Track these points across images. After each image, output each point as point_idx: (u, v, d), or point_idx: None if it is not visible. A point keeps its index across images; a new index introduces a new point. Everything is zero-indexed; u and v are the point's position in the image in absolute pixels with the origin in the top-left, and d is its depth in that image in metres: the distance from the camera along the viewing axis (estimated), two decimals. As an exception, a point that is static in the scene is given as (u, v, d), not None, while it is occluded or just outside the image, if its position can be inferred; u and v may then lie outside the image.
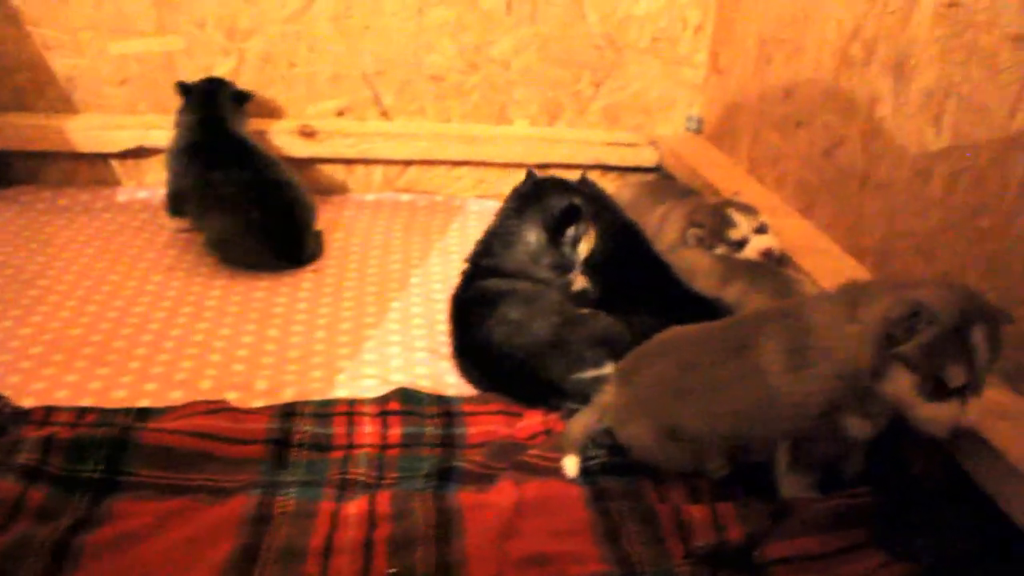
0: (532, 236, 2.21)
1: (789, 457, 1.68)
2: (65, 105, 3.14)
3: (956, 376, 1.44)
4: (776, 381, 1.62)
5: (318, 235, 2.88)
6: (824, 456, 1.69)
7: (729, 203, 2.46)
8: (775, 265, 2.33)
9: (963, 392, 1.46)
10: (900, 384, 1.49)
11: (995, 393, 1.70)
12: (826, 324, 1.59)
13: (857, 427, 1.60)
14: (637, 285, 2.22)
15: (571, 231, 2.19)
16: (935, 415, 1.48)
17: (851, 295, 1.59)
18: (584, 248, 2.22)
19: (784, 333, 1.64)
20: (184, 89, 2.89)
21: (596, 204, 2.30)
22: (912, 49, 2.05)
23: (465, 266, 2.30)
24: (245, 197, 2.63)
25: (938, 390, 1.46)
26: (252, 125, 3.09)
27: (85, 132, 3.10)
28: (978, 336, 1.43)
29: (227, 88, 2.93)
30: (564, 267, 2.23)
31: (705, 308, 2.10)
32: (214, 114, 2.86)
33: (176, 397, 2.00)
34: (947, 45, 1.93)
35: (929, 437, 1.53)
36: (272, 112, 3.25)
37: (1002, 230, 1.76)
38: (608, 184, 3.35)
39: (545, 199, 2.23)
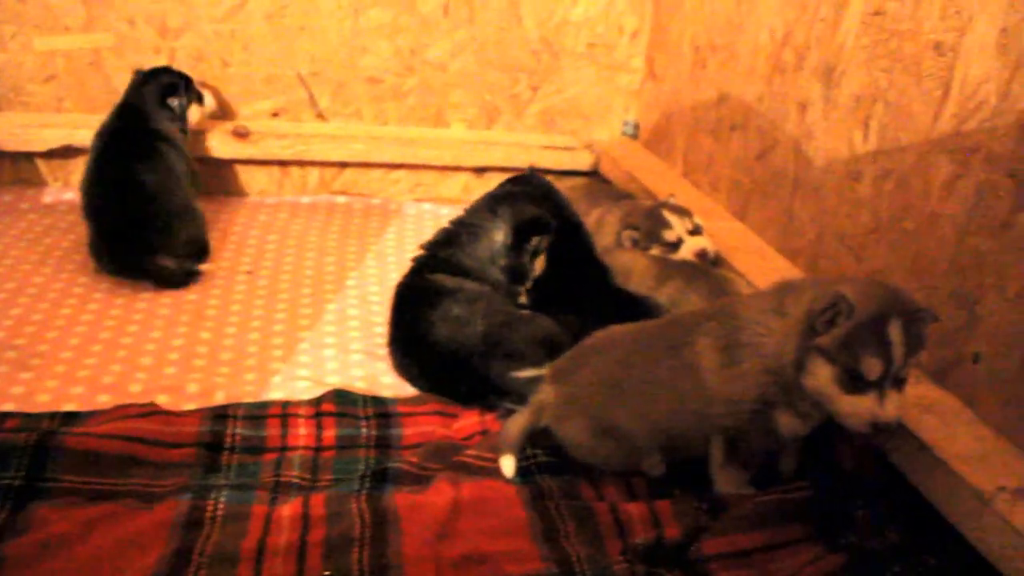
0: (499, 235, 2.23)
1: (723, 454, 1.71)
2: (-14, 102, 3.05)
3: (872, 368, 1.47)
4: (710, 378, 1.65)
5: (196, 246, 2.68)
6: (758, 453, 1.71)
7: (664, 205, 2.50)
8: (710, 266, 2.37)
9: (881, 385, 1.49)
10: (820, 377, 1.53)
11: (922, 388, 1.76)
12: (756, 320, 1.63)
13: (788, 424, 1.63)
14: (577, 284, 2.24)
15: (535, 240, 2.20)
16: (853, 408, 1.51)
17: (780, 292, 1.63)
18: (539, 264, 2.23)
19: (717, 331, 1.67)
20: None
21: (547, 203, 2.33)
22: (841, 56, 2.11)
23: (419, 253, 2.29)
24: (103, 198, 2.55)
25: (856, 383, 1.50)
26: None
27: (8, 130, 3.00)
28: (895, 329, 1.46)
29: (159, 79, 2.84)
30: (517, 273, 2.23)
31: (640, 308, 2.12)
32: (134, 102, 2.78)
33: (104, 401, 1.95)
34: (874, 52, 1.99)
35: (852, 431, 1.56)
36: (205, 112, 3.19)
37: (926, 231, 1.81)
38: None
39: (520, 204, 2.25)
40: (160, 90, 2.83)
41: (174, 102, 2.85)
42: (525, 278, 2.27)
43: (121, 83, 3.05)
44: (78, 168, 3.12)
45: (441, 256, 2.23)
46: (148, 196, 2.55)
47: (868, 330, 1.47)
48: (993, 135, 1.63)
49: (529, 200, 2.27)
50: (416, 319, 2.12)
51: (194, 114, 2.95)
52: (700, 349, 1.66)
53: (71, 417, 1.85)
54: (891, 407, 1.49)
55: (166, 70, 2.89)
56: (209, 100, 3.03)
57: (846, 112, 2.09)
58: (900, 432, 1.64)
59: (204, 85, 3.05)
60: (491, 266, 2.21)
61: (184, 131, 2.89)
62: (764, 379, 1.60)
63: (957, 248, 1.73)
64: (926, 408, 1.70)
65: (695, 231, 2.43)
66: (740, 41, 2.61)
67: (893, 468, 1.67)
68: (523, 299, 2.27)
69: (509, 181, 2.40)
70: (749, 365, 1.61)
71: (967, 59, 1.70)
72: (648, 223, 2.45)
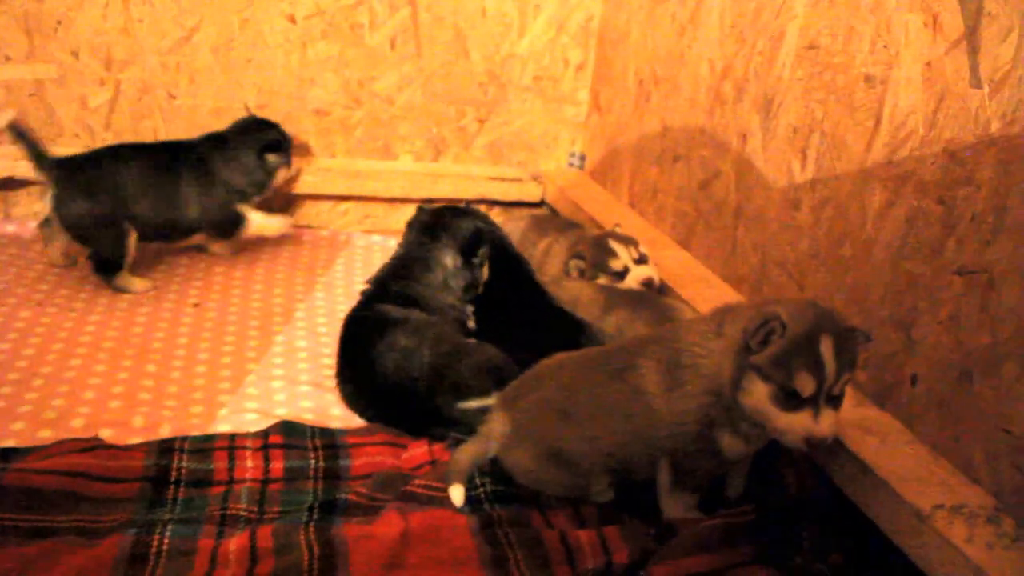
0: (449, 259, 2.25)
1: (670, 477, 1.73)
2: (-76, 134, 2.99)
3: (805, 384, 1.50)
4: (654, 401, 1.67)
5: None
6: (703, 476, 1.73)
7: (610, 235, 2.53)
8: (655, 294, 2.40)
9: (815, 402, 1.52)
10: (756, 395, 1.56)
11: (863, 410, 1.80)
12: (696, 343, 1.66)
13: (731, 446, 1.66)
14: (519, 310, 2.26)
15: (481, 252, 2.23)
16: (789, 425, 1.54)
17: (719, 314, 1.67)
18: (486, 270, 2.25)
19: (661, 354, 1.70)
20: None
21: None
22: (778, 88, 2.17)
23: (366, 287, 2.29)
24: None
25: (790, 400, 1.53)
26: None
27: (-54, 162, 2.95)
28: (826, 347, 1.50)
29: (267, 133, 2.96)
30: (472, 286, 2.26)
31: (583, 330, 2.16)
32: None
33: (45, 436, 1.91)
34: (809, 84, 2.05)
35: (789, 447, 1.59)
36: (151, 144, 3.17)
37: (862, 257, 1.87)
38: (493, 218, 3.40)
39: (454, 224, 2.28)
40: (262, 143, 2.91)
41: (271, 158, 2.93)
42: (478, 289, 2.32)
43: (65, 114, 3.05)
44: (19, 200, 3.10)
45: (393, 288, 2.24)
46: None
47: (800, 347, 1.51)
48: (922, 163, 1.70)
49: (457, 217, 2.31)
50: (363, 350, 2.12)
51: (281, 175, 3.02)
52: (644, 372, 1.69)
53: (10, 453, 1.81)
54: (826, 423, 1.52)
55: (275, 127, 2.98)
56: (293, 170, 3.11)
57: (784, 142, 2.15)
58: (842, 453, 1.68)
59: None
60: (444, 292, 2.22)
61: (260, 186, 2.95)
62: (705, 400, 1.63)
63: (892, 273, 1.78)
64: (867, 429, 1.74)
65: (641, 260, 2.47)
66: (682, 74, 2.67)
67: (836, 489, 1.71)
68: (471, 324, 2.28)
69: (446, 210, 2.41)
70: (691, 387, 1.64)
71: (896, 91, 1.77)
72: (594, 252, 2.48)
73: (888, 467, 1.62)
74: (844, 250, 1.93)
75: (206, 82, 3.12)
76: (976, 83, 1.57)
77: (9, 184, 3.05)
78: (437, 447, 1.96)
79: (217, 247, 3.02)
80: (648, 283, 2.43)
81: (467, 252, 2.24)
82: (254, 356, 2.36)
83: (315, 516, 1.69)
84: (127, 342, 2.37)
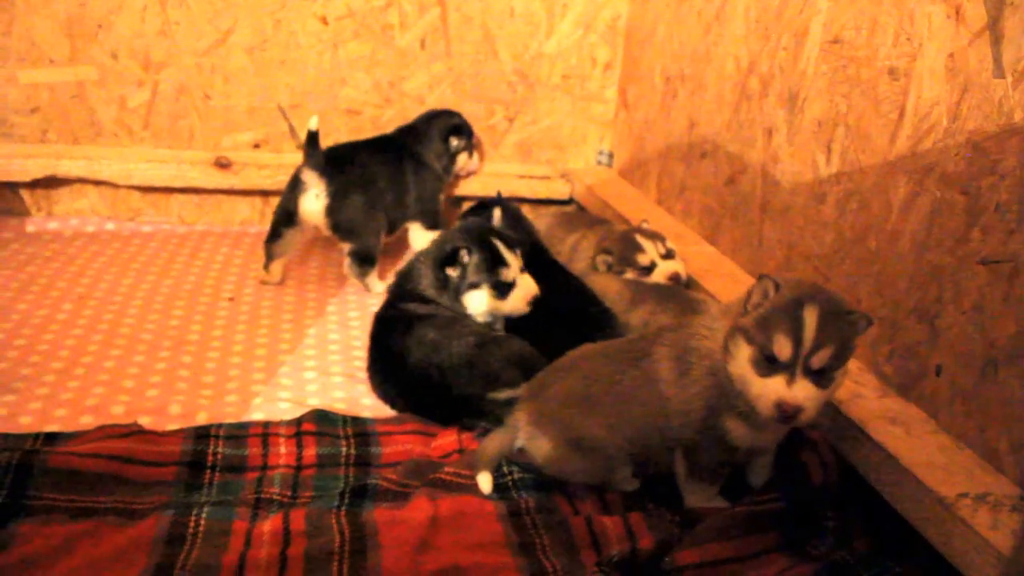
0: (425, 270, 2.25)
1: (685, 467, 1.75)
2: (-30, 134, 3.09)
3: (782, 348, 1.51)
4: (666, 389, 1.71)
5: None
6: (717, 466, 1.75)
7: (637, 230, 2.56)
8: (682, 288, 2.42)
9: (791, 368, 1.52)
10: (740, 358, 1.58)
11: (888, 401, 1.81)
12: (705, 324, 1.71)
13: (737, 431, 1.68)
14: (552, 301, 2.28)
15: (454, 142, 2.24)
16: (762, 390, 1.54)
17: (730, 302, 1.70)
18: (473, 299, 2.22)
19: (673, 340, 1.74)
20: None
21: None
22: (803, 82, 2.19)
23: (391, 283, 2.34)
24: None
25: (769, 364, 1.54)
26: (176, 157, 3.14)
27: (-8, 161, 3.04)
28: (810, 315, 1.51)
29: (450, 118, 3.12)
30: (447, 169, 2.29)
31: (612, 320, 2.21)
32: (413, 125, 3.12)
33: (87, 422, 1.97)
34: (833, 79, 2.07)
35: (763, 417, 1.58)
36: (187, 143, 3.24)
37: (887, 249, 1.88)
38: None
39: (446, 236, 2.29)
40: (446, 127, 3.06)
41: (453, 141, 3.07)
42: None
43: (105, 115, 3.13)
44: (61, 198, 3.18)
45: (407, 287, 2.27)
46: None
47: (784, 312, 1.53)
48: (946, 155, 1.70)
49: (455, 231, 2.33)
50: (393, 344, 2.16)
51: (461, 160, 3.16)
52: (657, 359, 1.74)
53: (54, 437, 1.87)
54: (799, 391, 1.52)
55: (457, 115, 3.14)
56: (475, 161, 3.26)
57: (809, 136, 2.16)
58: (866, 442, 1.70)
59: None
60: (439, 291, 2.23)
61: (447, 171, 3.10)
62: (707, 382, 1.67)
63: (916, 264, 1.79)
64: (891, 419, 1.75)
65: (668, 255, 2.49)
66: (708, 71, 2.69)
67: (860, 478, 1.72)
68: (499, 326, 2.31)
69: (480, 205, 2.45)
70: (696, 371, 1.68)
71: (919, 83, 1.78)
72: (622, 247, 2.50)
73: (912, 456, 1.63)
74: (869, 242, 1.94)
75: (240, 82, 3.19)
76: (999, 73, 1.58)
77: (52, 183, 3.14)
78: (466, 436, 1.99)
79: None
80: (675, 278, 2.45)
81: (439, 266, 2.22)
82: (287, 348, 2.42)
83: (346, 501, 1.73)
84: (165, 334, 2.44)
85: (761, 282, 1.58)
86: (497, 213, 2.39)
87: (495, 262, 2.18)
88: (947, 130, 1.70)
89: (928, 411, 1.76)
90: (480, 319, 2.23)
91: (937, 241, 1.73)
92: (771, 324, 1.53)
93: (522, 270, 2.23)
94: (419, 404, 2.10)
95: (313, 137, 2.70)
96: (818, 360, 1.51)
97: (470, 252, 2.18)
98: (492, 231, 2.26)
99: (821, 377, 1.53)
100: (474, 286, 2.19)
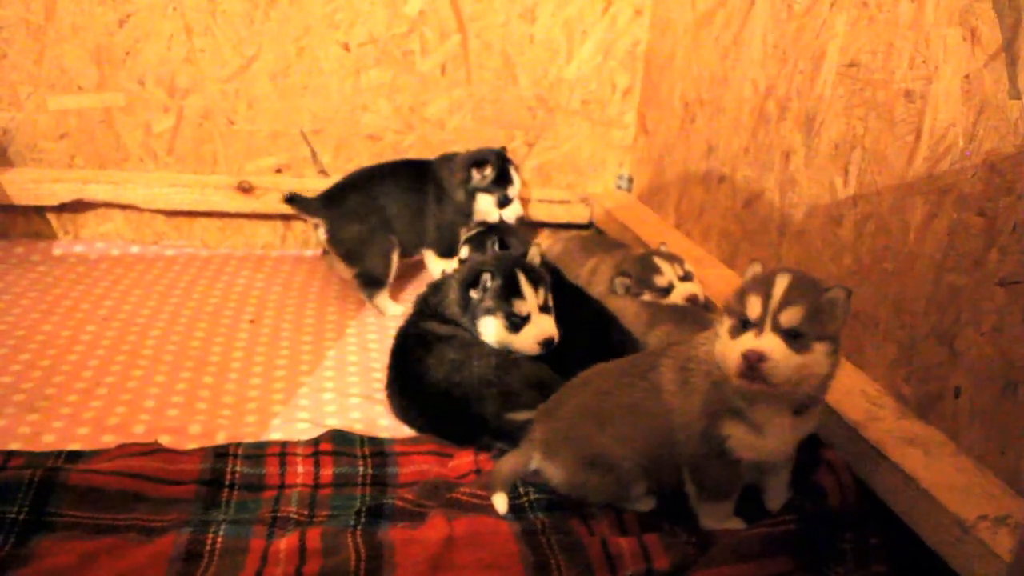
0: (452, 292, 2.27)
1: (694, 486, 1.75)
2: (0, 158, 3.14)
3: (752, 307, 1.56)
4: (670, 400, 1.73)
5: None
6: (724, 484, 1.75)
7: (655, 253, 2.57)
8: (700, 310, 2.42)
9: (760, 325, 1.54)
10: (722, 333, 1.62)
11: (906, 422, 1.80)
12: (706, 336, 1.74)
13: (736, 435, 1.68)
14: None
15: (474, 294, 2.22)
16: (735, 347, 1.56)
17: None
18: (486, 325, 2.22)
19: (678, 354, 1.77)
20: None
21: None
22: (820, 105, 2.20)
23: (414, 303, 2.36)
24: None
25: (742, 328, 1.57)
26: (199, 181, 3.21)
27: (22, 185, 3.10)
28: (780, 280, 1.56)
29: (479, 153, 3.04)
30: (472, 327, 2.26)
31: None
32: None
33: (108, 441, 1.99)
34: (850, 101, 2.07)
35: (734, 376, 1.58)
36: (211, 168, 3.29)
37: (905, 271, 1.88)
38: (542, 240, 3.46)
39: (478, 259, 2.31)
40: (470, 158, 3.00)
41: (475, 175, 2.98)
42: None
43: (131, 140, 3.19)
44: (87, 222, 3.24)
45: (432, 303, 2.29)
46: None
47: (759, 282, 1.59)
48: (962, 176, 1.71)
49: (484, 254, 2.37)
50: (413, 363, 2.17)
51: (483, 201, 3.01)
52: (663, 371, 1.76)
53: (75, 456, 1.89)
54: (765, 342, 1.53)
55: (492, 152, 3.04)
56: (514, 210, 3.05)
57: (827, 159, 2.17)
58: (884, 463, 1.69)
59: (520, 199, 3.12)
60: (461, 312, 2.25)
61: (466, 204, 3.01)
62: (705, 386, 1.69)
63: (935, 286, 1.79)
64: (910, 441, 1.74)
65: (686, 277, 2.49)
66: (726, 95, 2.71)
67: (879, 500, 1.71)
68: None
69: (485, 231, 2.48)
70: (695, 377, 1.71)
71: (935, 105, 1.78)
72: (640, 269, 2.51)
73: (931, 478, 1.62)
74: (886, 264, 1.94)
75: (264, 108, 3.24)
76: (1015, 94, 1.58)
77: (78, 207, 3.20)
78: (482, 457, 2.00)
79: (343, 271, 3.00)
80: (693, 299, 2.45)
81: (465, 287, 2.24)
82: (307, 369, 2.43)
83: (363, 520, 1.74)
84: (186, 355, 2.47)
85: (751, 265, 1.65)
86: (535, 251, 2.38)
87: (511, 292, 2.19)
88: (963, 151, 1.70)
89: (947, 433, 1.75)
90: (498, 347, 2.23)
91: (955, 263, 1.73)
92: (745, 292, 1.59)
93: (542, 309, 2.22)
94: (437, 423, 2.11)
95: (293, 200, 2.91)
96: (787, 318, 1.53)
97: (493, 278, 2.20)
98: (522, 263, 2.26)
99: (794, 339, 1.53)
100: (489, 312, 2.20)
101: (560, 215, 3.49)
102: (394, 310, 2.87)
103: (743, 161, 2.61)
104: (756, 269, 1.66)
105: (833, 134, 2.14)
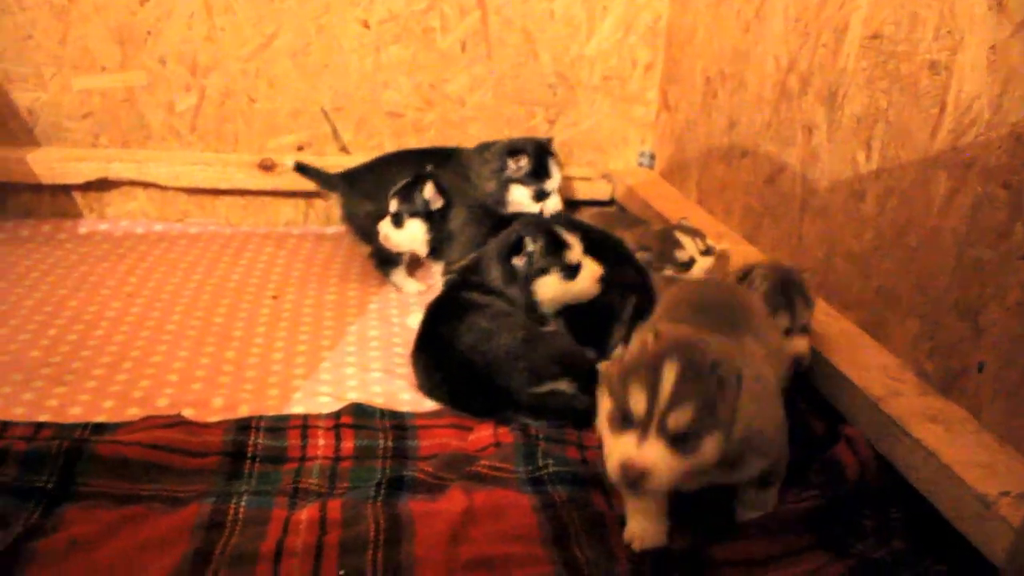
0: (495, 265, 2.29)
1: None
2: (27, 137, 3.18)
3: (636, 402, 1.38)
4: None
5: None
6: None
7: (676, 227, 2.56)
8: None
9: (643, 429, 1.37)
10: (602, 417, 1.52)
11: (928, 399, 1.79)
12: None
13: None
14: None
15: (518, 261, 2.25)
16: (612, 449, 1.42)
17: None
18: (544, 285, 2.26)
19: None
20: None
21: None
22: (842, 79, 2.17)
23: (451, 276, 2.37)
24: None
25: (623, 420, 1.42)
26: (221, 159, 3.21)
27: (48, 164, 3.13)
28: (667, 375, 1.37)
29: (517, 142, 3.00)
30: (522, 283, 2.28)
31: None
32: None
33: (133, 414, 2.02)
34: (873, 74, 2.05)
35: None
36: (232, 146, 3.31)
37: (928, 246, 1.86)
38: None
39: (509, 230, 2.32)
40: (508, 145, 2.96)
41: (511, 164, 2.93)
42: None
43: (153, 119, 3.21)
44: (112, 200, 3.27)
45: (471, 279, 2.30)
46: None
47: (645, 368, 1.40)
48: (987, 148, 1.68)
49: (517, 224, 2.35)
50: (444, 328, 2.18)
51: (517, 192, 2.96)
52: None
53: (102, 427, 1.93)
54: (649, 452, 1.36)
55: (537, 141, 2.99)
56: (553, 204, 2.96)
57: (849, 133, 2.14)
58: (905, 440, 1.68)
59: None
60: (507, 283, 2.27)
61: (497, 185, 2.96)
62: None
63: (958, 260, 1.77)
64: (932, 418, 1.73)
65: (707, 251, 2.48)
66: (748, 70, 2.68)
67: (898, 476, 1.70)
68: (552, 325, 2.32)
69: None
70: None
71: (960, 77, 1.76)
72: (661, 244, 2.50)
73: (953, 454, 1.61)
74: (909, 239, 1.92)
75: (284, 86, 3.24)
76: (1041, 65, 1.56)
77: (103, 185, 3.23)
78: (502, 430, 2.00)
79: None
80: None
81: (506, 258, 2.26)
82: (328, 344, 2.45)
83: (382, 492, 1.75)
84: (209, 330, 2.49)
85: (645, 333, 1.48)
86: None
87: (558, 246, 2.24)
88: (989, 123, 1.68)
89: (970, 409, 1.73)
90: (551, 308, 2.28)
91: (979, 236, 1.71)
92: (628, 378, 1.40)
93: (584, 252, 2.27)
94: (460, 392, 2.12)
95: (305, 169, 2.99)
96: (676, 420, 1.36)
97: (534, 239, 2.23)
98: (553, 219, 2.34)
99: (682, 442, 1.37)
100: (543, 271, 2.25)
101: (582, 192, 3.48)
102: (411, 287, 2.88)
103: (765, 136, 2.58)
104: (648, 339, 1.45)
105: (856, 108, 2.12)
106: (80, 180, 3.17)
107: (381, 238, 2.66)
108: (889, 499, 1.73)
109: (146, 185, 3.25)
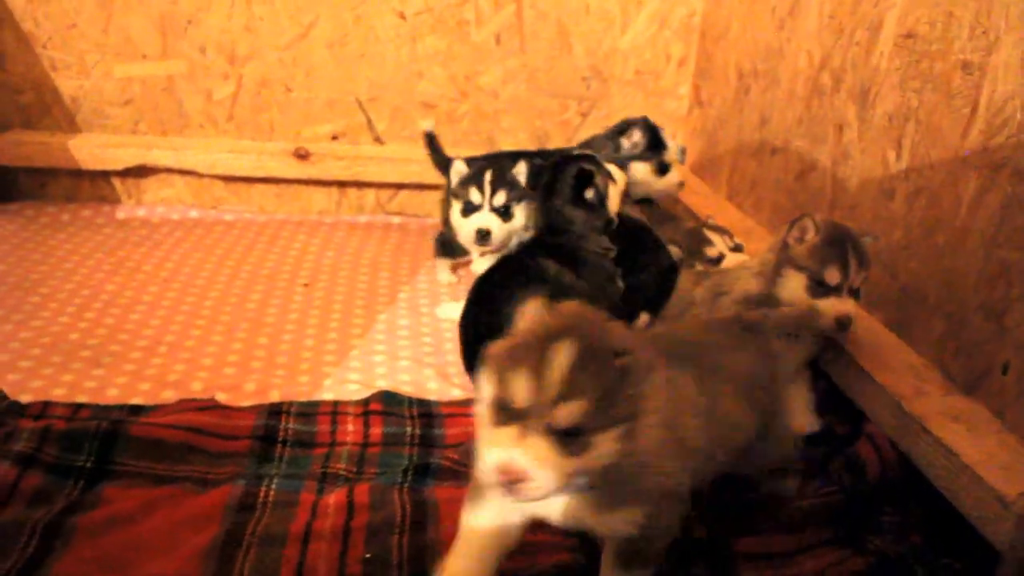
0: (568, 210, 2.25)
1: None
2: (69, 124, 3.25)
3: (517, 391, 1.16)
4: None
5: None
6: None
7: (705, 224, 2.57)
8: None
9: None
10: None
11: (951, 398, 1.80)
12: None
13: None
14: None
15: (589, 193, 2.22)
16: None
17: None
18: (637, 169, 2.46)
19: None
20: None
21: None
22: (875, 77, 2.17)
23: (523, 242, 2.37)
24: None
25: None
26: (257, 148, 3.26)
27: (88, 150, 3.20)
28: (557, 361, 1.15)
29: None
30: (604, 226, 2.27)
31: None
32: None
33: (168, 396, 2.07)
34: (906, 73, 2.04)
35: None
36: (268, 134, 3.36)
37: (956, 246, 1.86)
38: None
39: (558, 175, 2.28)
40: (613, 127, 2.89)
41: (626, 142, 2.83)
42: (611, 224, 2.29)
43: (192, 107, 3.26)
44: (149, 187, 3.34)
45: (549, 241, 2.25)
46: None
47: (530, 350, 1.19)
48: (1019, 150, 1.68)
49: (561, 166, 2.31)
50: (499, 292, 2.11)
51: (638, 170, 2.81)
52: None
53: (138, 409, 1.98)
54: (529, 451, 1.14)
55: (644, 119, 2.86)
56: (673, 177, 2.88)
57: (880, 132, 2.14)
58: (926, 438, 1.69)
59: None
60: (587, 241, 2.24)
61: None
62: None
63: (985, 261, 1.77)
64: (954, 417, 1.73)
65: (736, 248, 2.49)
66: (781, 66, 2.68)
67: (918, 474, 1.71)
68: (620, 284, 2.29)
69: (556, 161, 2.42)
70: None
71: (994, 77, 1.75)
72: (690, 241, 2.51)
73: (974, 454, 1.61)
74: (937, 238, 1.92)
75: (320, 76, 3.29)
76: (1074, 67, 1.56)
77: (141, 172, 3.29)
78: (528, 420, 2.03)
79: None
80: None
81: (577, 197, 2.23)
82: (358, 332, 2.49)
83: (409, 478, 1.79)
84: (242, 316, 2.54)
85: (531, 306, 1.29)
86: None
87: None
88: (1021, 125, 1.68)
89: (994, 409, 1.74)
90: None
91: (1007, 237, 1.71)
92: (510, 361, 1.20)
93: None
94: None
95: (433, 141, 2.92)
96: (563, 416, 1.13)
97: (598, 170, 2.26)
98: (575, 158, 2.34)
99: (570, 439, 1.15)
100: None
101: (612, 186, 3.48)
102: (446, 278, 2.91)
103: (796, 133, 2.58)
104: (533, 309, 1.26)
105: (888, 106, 2.11)
106: (119, 166, 3.23)
107: (475, 236, 2.61)
108: (909, 496, 1.74)
109: (183, 172, 3.31)
